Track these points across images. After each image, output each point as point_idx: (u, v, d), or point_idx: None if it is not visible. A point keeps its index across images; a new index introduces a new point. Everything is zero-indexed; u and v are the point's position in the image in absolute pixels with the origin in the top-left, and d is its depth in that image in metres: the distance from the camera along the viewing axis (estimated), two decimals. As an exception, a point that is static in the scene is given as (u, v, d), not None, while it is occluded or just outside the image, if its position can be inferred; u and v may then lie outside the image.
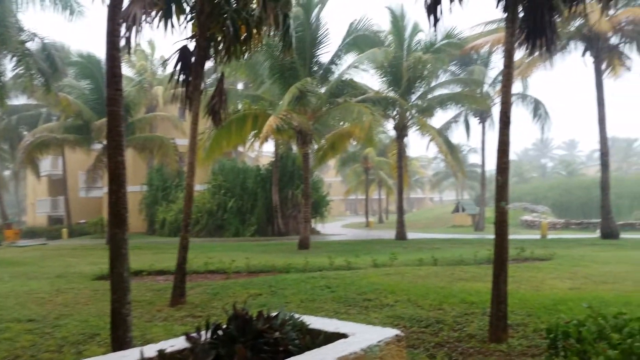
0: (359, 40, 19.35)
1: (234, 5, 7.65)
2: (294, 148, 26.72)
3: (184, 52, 8.03)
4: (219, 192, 29.68)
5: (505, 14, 5.20)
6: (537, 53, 5.75)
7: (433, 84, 24.29)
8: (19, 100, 33.72)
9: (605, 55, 19.52)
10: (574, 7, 5.15)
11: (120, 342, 4.56)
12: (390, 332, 2.20)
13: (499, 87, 25.23)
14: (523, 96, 27.47)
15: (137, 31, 6.19)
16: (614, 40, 19.72)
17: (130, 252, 4.94)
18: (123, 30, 6.00)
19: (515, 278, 8.81)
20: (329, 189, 38.56)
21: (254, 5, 7.68)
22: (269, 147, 32.50)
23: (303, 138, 18.76)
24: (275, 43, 16.38)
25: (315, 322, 2.42)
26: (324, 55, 19.52)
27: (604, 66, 19.66)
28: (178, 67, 8.05)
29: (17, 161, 30.55)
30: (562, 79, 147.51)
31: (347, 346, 2.00)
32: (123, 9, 5.18)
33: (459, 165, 27.10)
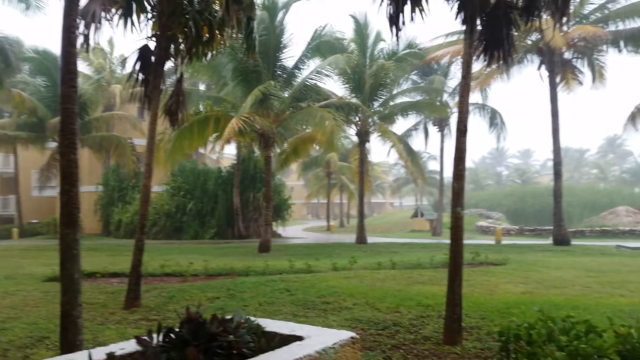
0: (322, 46, 19.49)
1: (197, 6, 7.56)
2: (257, 151, 26.58)
3: (144, 51, 7.87)
4: (178, 193, 29.21)
5: (464, 27, 5.36)
6: (494, 65, 5.92)
7: (395, 91, 24.72)
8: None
9: (559, 69, 20.34)
10: (530, 22, 5.34)
11: (70, 345, 4.41)
12: (345, 335, 2.22)
13: (457, 97, 25.88)
14: (481, 106, 28.24)
15: (96, 29, 6.04)
16: (567, 55, 20.59)
17: (85, 253, 4.80)
18: (81, 27, 5.85)
19: (470, 282, 9.03)
20: (291, 193, 38.53)
21: (217, 7, 7.62)
22: (231, 150, 32.24)
23: (265, 141, 18.70)
24: (239, 45, 16.31)
25: (271, 325, 2.42)
26: (288, 59, 19.58)
27: (558, 79, 20.48)
28: (137, 66, 7.89)
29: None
30: (519, 91, 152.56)
31: (302, 349, 2.01)
32: (82, 5, 5.05)
33: (419, 172, 27.59)
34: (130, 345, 2.21)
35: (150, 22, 7.92)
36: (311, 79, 19.19)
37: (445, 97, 29.24)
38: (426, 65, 26.50)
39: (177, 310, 6.67)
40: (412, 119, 28.82)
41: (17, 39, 21.60)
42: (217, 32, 7.79)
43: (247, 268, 11.30)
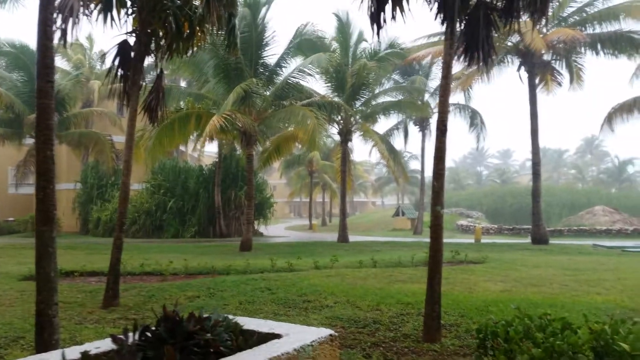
0: (304, 44, 19.46)
1: (177, 2, 7.48)
2: (239, 149, 26.45)
3: (123, 46, 7.77)
4: (159, 191, 28.90)
5: (445, 27, 5.40)
6: (474, 66, 5.98)
7: (377, 91, 24.81)
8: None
9: (538, 70, 20.64)
10: (510, 24, 5.40)
11: (45, 345, 4.33)
12: (324, 332, 2.22)
13: (438, 97, 26.08)
14: (461, 106, 28.50)
15: (74, 23, 5.94)
16: (547, 57, 20.91)
17: (63, 252, 4.72)
18: (59, 21, 5.75)
19: (450, 280, 9.13)
20: (273, 191, 38.42)
21: (198, 3, 7.54)
22: (213, 148, 32.01)
23: (247, 139, 18.61)
24: (221, 42, 16.20)
25: (250, 323, 2.40)
26: (271, 57, 19.50)
27: (537, 81, 20.78)
28: (117, 62, 7.78)
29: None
30: (499, 92, 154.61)
31: (280, 346, 2.00)
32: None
33: (400, 171, 27.74)
34: (105, 344, 2.17)
35: (131, 18, 7.81)
36: (293, 77, 19.16)
37: (427, 97, 29.47)
38: (408, 66, 26.65)
39: (151, 308, 6.60)
40: (394, 119, 28.99)
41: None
42: (197, 28, 7.72)
43: (228, 267, 11.25)
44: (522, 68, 20.83)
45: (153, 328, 2.10)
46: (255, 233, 26.97)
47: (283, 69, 19.79)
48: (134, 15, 7.77)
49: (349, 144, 24.67)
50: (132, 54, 7.74)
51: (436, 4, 5.31)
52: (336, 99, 22.57)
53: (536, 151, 20.94)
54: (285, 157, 32.49)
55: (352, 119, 23.55)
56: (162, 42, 7.88)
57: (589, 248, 18.93)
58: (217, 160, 28.66)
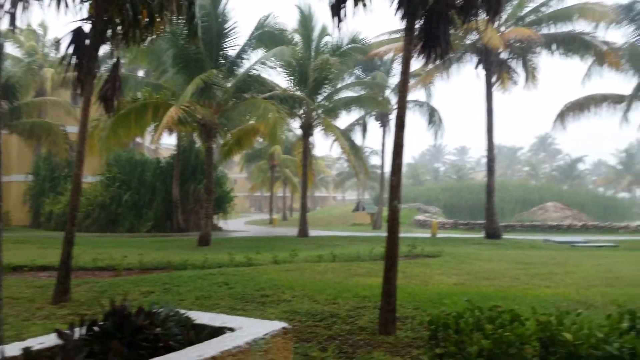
0: (265, 36, 19.26)
1: (135, -12, 7.25)
2: (198, 142, 26.03)
3: (78, 33, 7.47)
4: (114, 184, 28.18)
5: (404, 23, 5.46)
6: (436, 62, 6.06)
7: (339, 85, 24.88)
8: None
9: (495, 68, 21.17)
10: (467, 21, 5.51)
11: (-12, 343, 4.14)
12: (277, 325, 2.21)
13: (400, 92, 26.38)
14: (420, 104, 28.95)
15: (24, 8, 5.68)
16: (504, 55, 21.48)
17: (12, 246, 4.53)
18: (7, 4, 5.49)
19: (406, 273, 9.28)
20: (233, 185, 38.05)
21: (157, -11, 7.34)
22: (172, 140, 31.37)
23: (207, 131, 18.32)
24: (180, 31, 15.86)
25: (202, 317, 2.37)
26: (232, 49, 19.20)
27: (494, 79, 21.31)
28: (71, 50, 7.49)
29: None
30: (458, 89, 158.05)
31: (232, 340, 1.98)
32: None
33: (361, 166, 27.97)
34: (50, 340, 2.09)
35: (87, 4, 7.52)
36: (255, 70, 18.95)
37: (388, 93, 29.79)
38: (370, 61, 26.84)
39: (103, 304, 6.43)
40: (355, 114, 29.18)
41: None
42: (156, 16, 7.51)
43: (185, 262, 11.07)
44: (480, 66, 21.32)
45: (101, 323, 2.04)
46: (214, 227, 26.63)
47: (244, 60, 19.57)
48: (89, 1, 7.49)
49: (311, 138, 24.68)
50: (87, 41, 7.46)
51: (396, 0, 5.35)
52: (298, 93, 22.51)
53: (491, 148, 21.49)
54: (246, 150, 32.20)
55: (313, 113, 23.54)
56: (119, 30, 7.64)
57: (540, 243, 19.61)
58: (175, 152, 28.11)
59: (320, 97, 23.66)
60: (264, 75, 19.79)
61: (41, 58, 29.71)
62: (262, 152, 42.00)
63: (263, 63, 18.74)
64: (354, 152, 25.59)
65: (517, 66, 21.76)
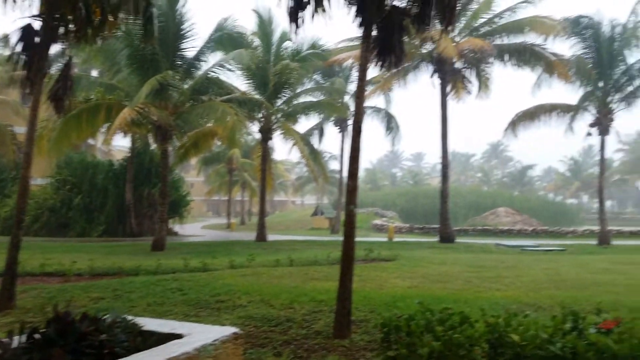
0: (225, 39, 19.07)
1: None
2: (153, 144, 25.44)
3: (27, 30, 7.19)
4: (64, 187, 27.17)
5: (361, 31, 5.53)
6: (391, 69, 6.15)
7: (298, 90, 24.91)
8: None
9: (450, 78, 21.74)
10: (421, 30, 5.63)
11: None
12: (227, 331, 2.18)
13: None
14: (378, 110, 29.35)
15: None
16: (458, 65, 22.08)
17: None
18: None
19: (362, 277, 9.36)
20: (190, 189, 37.39)
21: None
22: (126, 142, 30.54)
23: (162, 134, 17.94)
24: (136, 31, 15.49)
25: (151, 324, 2.31)
26: (189, 50, 18.89)
27: (449, 88, 21.88)
28: (20, 47, 7.20)
29: None
30: (416, 97, 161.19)
31: (180, 347, 1.94)
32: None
33: (320, 171, 28.06)
34: (-14, 350, 1.99)
35: (37, 0, 7.25)
36: (213, 72, 18.71)
37: (347, 98, 30.06)
38: (329, 67, 27.03)
39: (47, 311, 6.19)
40: (315, 119, 29.30)
41: None
42: (110, 16, 7.32)
43: (137, 267, 10.81)
44: (436, 75, 21.84)
45: (43, 330, 1.96)
46: (169, 232, 26.08)
47: (202, 63, 19.28)
48: (40, -3, 7.22)
49: (270, 142, 24.57)
50: (38, 39, 7.19)
51: (354, 7, 5.42)
52: (257, 96, 22.38)
53: (445, 155, 22.02)
54: (204, 153, 31.73)
55: (273, 117, 23.47)
56: (71, 28, 7.40)
57: (491, 247, 20.21)
58: (129, 155, 27.39)
59: (279, 102, 23.62)
60: (223, 77, 19.59)
61: (-12, 55, 28.38)
62: (220, 155, 41.49)
63: (221, 65, 18.53)
64: (313, 156, 25.66)
65: (471, 76, 22.43)
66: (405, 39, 5.52)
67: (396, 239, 24.72)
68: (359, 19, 5.40)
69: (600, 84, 21.76)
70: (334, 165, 54.85)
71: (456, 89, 21.77)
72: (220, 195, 56.80)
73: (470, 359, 3.21)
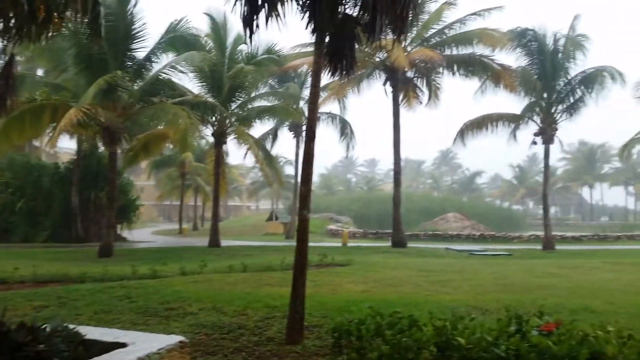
0: (177, 41, 18.74)
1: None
2: (101, 146, 24.64)
3: (-36, 26, 6.81)
4: (6, 190, 25.89)
5: (315, 37, 5.57)
6: (343, 76, 6.20)
7: (253, 94, 24.78)
8: None
9: (402, 86, 22.20)
10: (373, 39, 5.71)
11: None
12: (173, 339, 2.14)
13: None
14: (333, 116, 29.55)
15: None
16: (410, 74, 22.58)
17: None
18: None
19: (316, 282, 9.38)
20: (140, 193, 36.42)
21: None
22: (73, 144, 29.43)
23: (110, 136, 17.42)
24: (83, 29, 14.99)
25: (93, 333, 2.24)
26: (140, 51, 18.47)
27: (401, 96, 22.33)
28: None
29: None
30: (370, 104, 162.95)
31: (123, 355, 1.89)
32: None
33: (276, 175, 27.95)
34: None
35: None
36: (165, 74, 18.33)
37: (302, 104, 30.12)
38: (285, 73, 27.02)
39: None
40: (270, 124, 29.17)
41: None
42: (56, 13, 7.04)
43: (84, 274, 10.41)
44: (388, 83, 22.25)
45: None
46: (118, 238, 25.28)
47: (154, 64, 18.86)
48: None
49: (224, 146, 24.28)
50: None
51: (307, 14, 5.45)
52: (211, 100, 22.07)
53: (398, 161, 22.43)
54: (155, 157, 30.99)
55: (227, 121, 23.21)
56: (13, 24, 7.07)
57: (441, 251, 20.69)
58: (75, 157, 26.40)
59: (234, 105, 23.41)
60: (175, 80, 19.24)
61: None
62: (172, 158, 40.59)
63: (173, 67, 18.18)
64: (268, 161, 25.55)
65: (422, 85, 22.99)
66: (358, 47, 5.60)
67: (350, 244, 24.91)
68: (311, 26, 5.44)
69: (545, 95, 22.75)
70: (289, 170, 54.87)
71: (408, 97, 22.24)
72: (172, 200, 55.53)
73: (418, 361, 3.27)
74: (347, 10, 5.59)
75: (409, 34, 21.86)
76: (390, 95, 22.21)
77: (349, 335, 3.51)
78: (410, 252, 19.37)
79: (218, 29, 22.36)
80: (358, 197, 56.03)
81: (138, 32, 17.91)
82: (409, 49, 22.10)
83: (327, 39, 5.48)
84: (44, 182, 26.31)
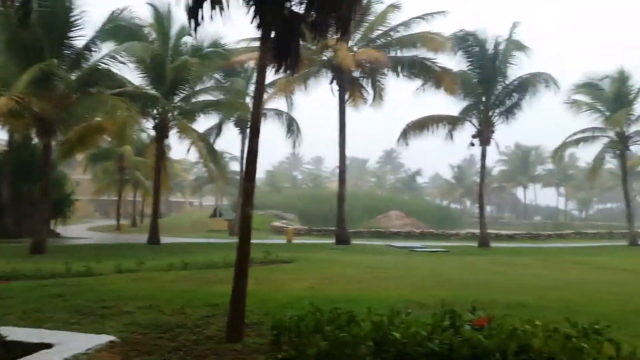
0: (119, 30, 18.06)
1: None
2: (35, 138, 23.36)
3: None
4: None
5: (260, 32, 5.53)
6: (287, 73, 6.17)
7: (197, 88, 24.26)
8: None
9: (348, 86, 22.46)
10: (318, 37, 5.74)
11: None
12: (103, 339, 2.07)
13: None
14: (280, 113, 29.43)
15: None
16: (356, 74, 22.87)
17: None
18: None
19: (260, 279, 9.32)
20: (75, 187, 34.86)
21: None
22: (3, 135, 27.74)
23: (45, 127, 16.56)
24: (14, 13, 14.14)
25: (18, 333, 2.12)
26: (79, 39, 17.63)
27: (346, 96, 22.59)
28: None
29: None
30: (317, 102, 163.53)
31: (49, 357, 1.80)
32: None
33: (220, 171, 27.50)
34: None
35: None
36: (104, 63, 17.59)
37: (248, 99, 29.79)
38: (231, 67, 26.62)
39: None
40: (215, 118, 28.68)
41: None
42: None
43: (14, 271, 9.95)
44: (334, 82, 22.44)
45: None
46: (51, 234, 24.11)
47: (93, 53, 18.05)
48: None
49: (166, 140, 23.64)
50: None
51: (253, 8, 5.40)
52: (153, 92, 21.40)
53: (343, 159, 22.71)
54: (92, 150, 29.74)
55: (169, 114, 22.60)
56: None
57: (383, 248, 21.13)
58: (6, 149, 24.91)
59: (177, 98, 22.82)
60: (115, 70, 18.49)
61: None
62: (110, 152, 39.07)
63: (113, 57, 17.49)
64: (212, 157, 25.10)
65: (367, 85, 23.34)
66: (304, 45, 5.61)
67: (295, 240, 24.96)
68: (257, 21, 5.39)
69: (483, 98, 23.66)
70: (234, 166, 54.17)
71: (354, 96, 22.54)
72: (110, 195, 53.45)
73: (356, 357, 3.32)
74: (294, 8, 5.58)
75: (356, 34, 22.17)
76: (337, 94, 22.40)
77: (289, 332, 3.52)
78: (354, 249, 19.66)
79: (161, 19, 21.74)
80: (304, 195, 56.21)
81: (77, 19, 17.11)
82: (355, 49, 22.37)
83: (272, 35, 5.44)
84: (-29, 174, 24.66)
